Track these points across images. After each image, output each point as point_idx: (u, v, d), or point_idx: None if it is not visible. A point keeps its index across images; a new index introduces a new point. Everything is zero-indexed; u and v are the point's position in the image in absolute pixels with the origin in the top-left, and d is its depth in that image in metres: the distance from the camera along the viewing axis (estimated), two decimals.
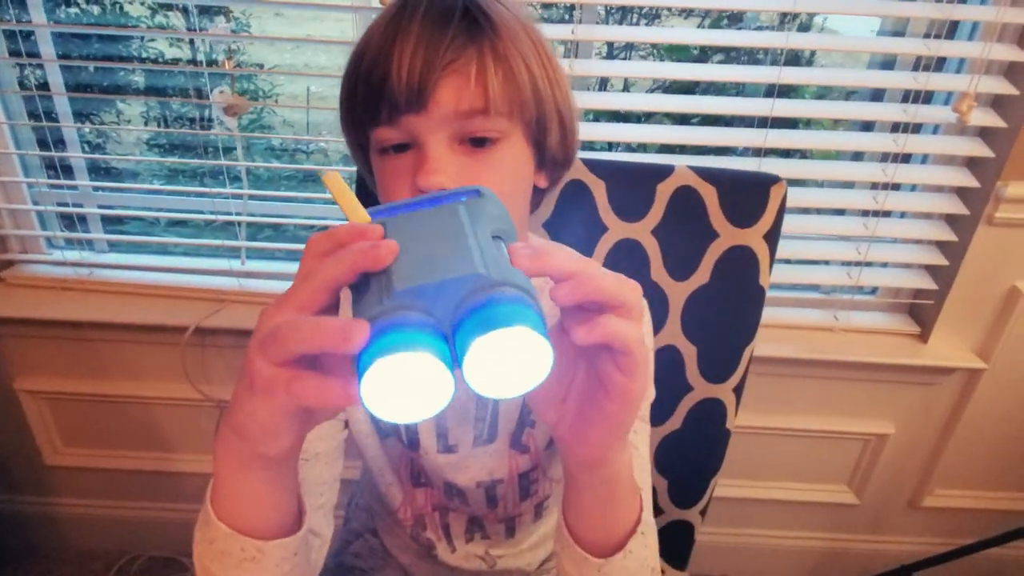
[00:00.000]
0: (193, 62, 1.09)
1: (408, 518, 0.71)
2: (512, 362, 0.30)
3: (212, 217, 1.18)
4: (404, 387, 0.29)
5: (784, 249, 1.17)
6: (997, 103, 1.09)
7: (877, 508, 1.44)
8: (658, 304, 0.84)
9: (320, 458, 0.58)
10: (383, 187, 0.55)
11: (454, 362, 0.30)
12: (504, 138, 0.53)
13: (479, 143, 0.52)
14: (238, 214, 1.17)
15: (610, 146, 1.28)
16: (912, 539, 1.47)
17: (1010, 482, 1.40)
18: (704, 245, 0.82)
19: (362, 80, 0.52)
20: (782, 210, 0.81)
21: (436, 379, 0.29)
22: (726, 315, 0.85)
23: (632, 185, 0.83)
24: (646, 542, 0.46)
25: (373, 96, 0.51)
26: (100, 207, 1.24)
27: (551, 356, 0.30)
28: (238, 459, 0.37)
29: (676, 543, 0.97)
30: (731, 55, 1.47)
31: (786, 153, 1.25)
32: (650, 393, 0.67)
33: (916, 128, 1.11)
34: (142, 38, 1.34)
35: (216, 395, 1.25)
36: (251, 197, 1.18)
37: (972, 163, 1.14)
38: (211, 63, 1.07)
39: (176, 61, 1.04)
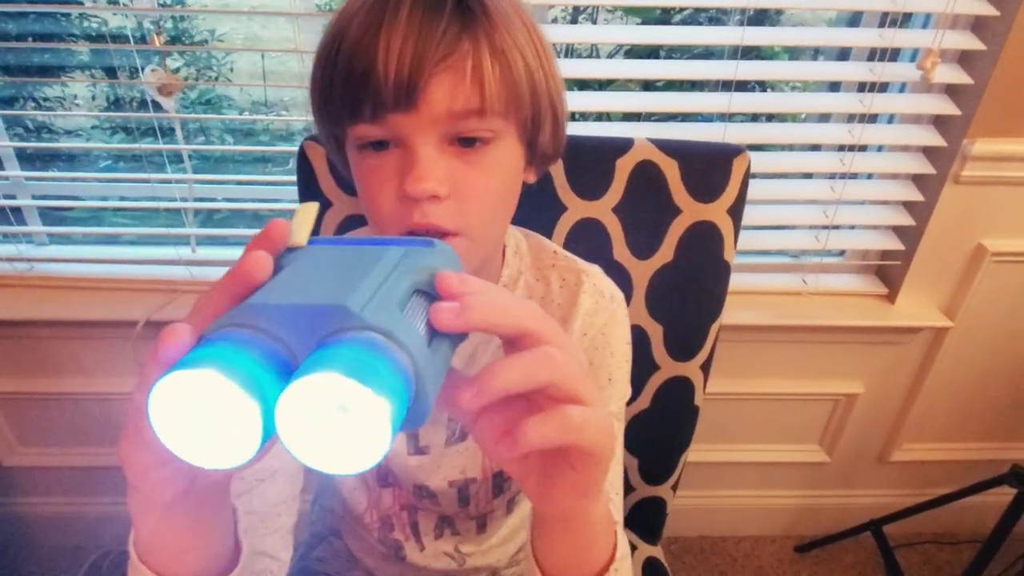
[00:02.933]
0: (121, 38, 1.01)
1: (374, 521, 0.69)
2: (337, 428, 0.22)
3: (154, 204, 1.12)
4: (204, 418, 0.23)
5: (751, 215, 1.15)
6: (964, 59, 1.07)
7: (847, 465, 1.46)
8: (622, 284, 0.81)
9: (278, 476, 0.55)
10: (364, 188, 0.50)
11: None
12: (497, 138, 0.48)
13: (469, 143, 0.47)
14: (183, 199, 1.11)
15: (573, 116, 1.24)
16: (882, 492, 1.50)
17: (974, 433, 1.43)
18: (666, 222, 0.79)
19: (340, 72, 0.46)
20: (745, 182, 0.79)
21: (244, 417, 0.23)
22: (691, 292, 0.83)
23: (591, 161, 0.79)
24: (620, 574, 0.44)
25: (354, 91, 0.45)
26: (36, 197, 1.17)
27: (388, 439, 0.23)
28: (140, 506, 0.34)
29: (648, 518, 0.97)
30: (695, 18, 1.42)
31: (753, 117, 1.22)
32: (626, 391, 0.65)
33: (883, 87, 1.08)
34: (81, 15, 1.25)
35: None
36: (198, 181, 1.12)
37: (939, 122, 1.12)
38: (142, 40, 1.00)
39: (116, 38, 0.97)
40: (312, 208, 0.32)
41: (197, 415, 0.23)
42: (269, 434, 0.23)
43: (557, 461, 0.33)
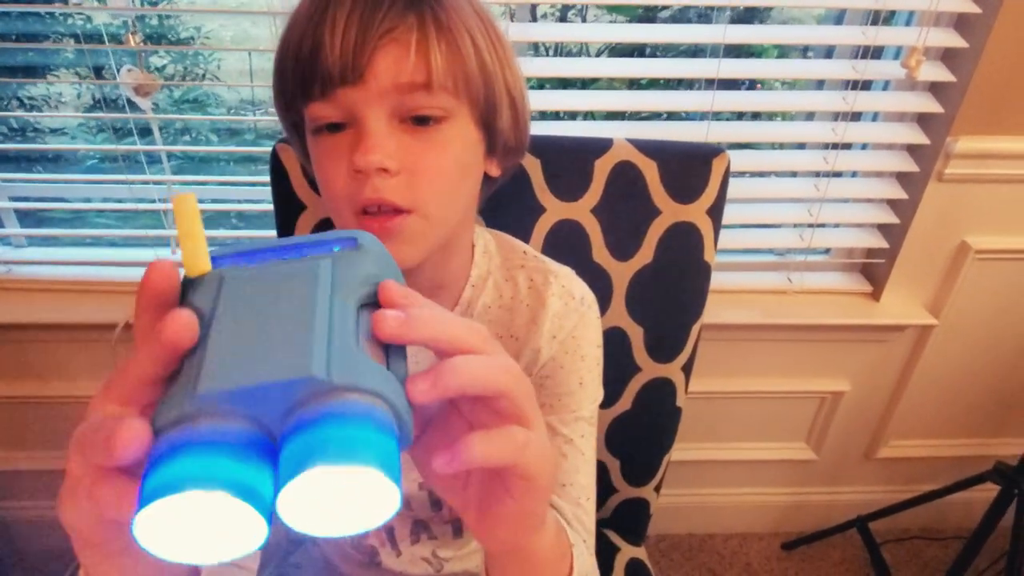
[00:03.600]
0: (100, 38, 1.00)
1: None
2: (345, 499, 0.22)
3: (130, 206, 1.11)
4: (201, 524, 0.21)
5: (736, 213, 1.15)
6: (947, 57, 1.06)
7: (834, 462, 1.46)
8: (601, 285, 0.80)
9: None
10: (319, 170, 0.50)
11: (275, 487, 0.22)
12: (450, 117, 0.49)
13: (422, 121, 0.48)
14: (161, 200, 1.10)
15: (556, 114, 1.23)
16: (868, 488, 1.51)
17: (959, 430, 1.43)
18: (646, 223, 0.79)
19: (291, 53, 0.48)
20: (725, 183, 0.78)
21: (243, 521, 0.21)
22: (672, 293, 0.82)
23: (569, 162, 0.78)
24: None
25: (305, 69, 0.47)
26: (13, 199, 1.16)
27: (397, 499, 0.22)
28: (90, 557, 0.30)
29: (631, 520, 0.97)
30: (683, 15, 1.42)
31: (738, 116, 1.22)
32: (597, 394, 0.64)
33: (866, 85, 1.08)
34: (64, 14, 1.23)
35: None
36: (176, 182, 1.11)
37: (922, 119, 1.11)
38: (115, 39, 0.99)
39: (95, 38, 0.95)
40: (190, 201, 0.27)
41: (188, 527, 0.21)
42: (270, 521, 0.22)
43: (495, 488, 0.31)
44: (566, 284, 0.62)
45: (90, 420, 0.25)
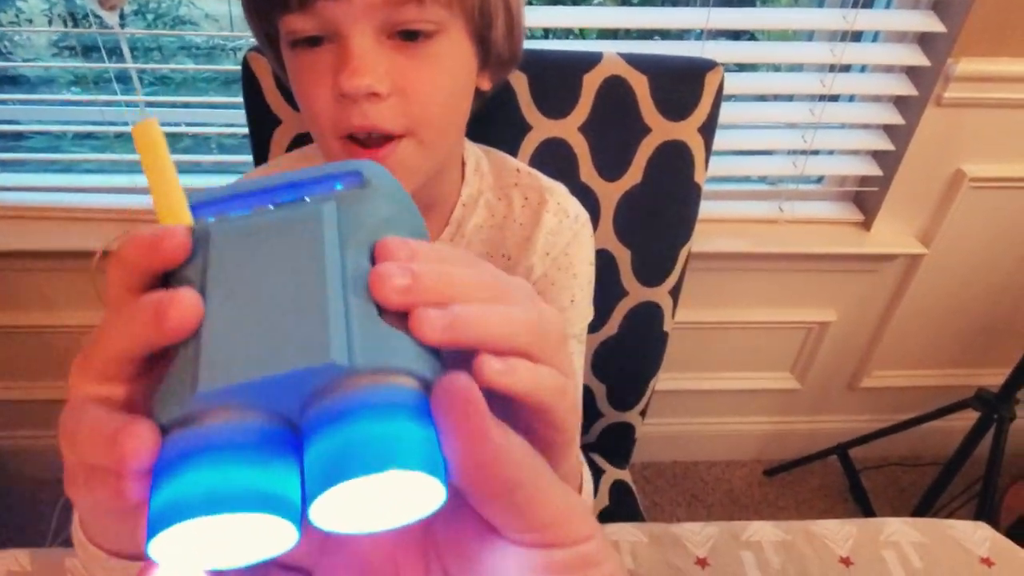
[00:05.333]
0: None
1: None
2: (382, 496, 0.19)
3: (103, 129, 1.06)
4: (223, 533, 0.18)
5: (729, 139, 1.13)
6: None
7: (818, 391, 1.48)
8: (589, 207, 0.77)
9: None
10: (298, 89, 0.46)
11: (303, 486, 0.19)
12: (442, 31, 0.45)
13: (411, 36, 0.44)
14: (134, 123, 1.06)
15: (545, 33, 1.18)
16: (851, 418, 1.53)
17: (942, 360, 1.45)
18: (635, 141, 0.76)
19: None
20: (718, 99, 0.75)
21: (273, 529, 0.18)
22: (661, 215, 0.81)
23: (556, 77, 0.75)
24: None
25: None
26: None
27: (442, 493, 0.19)
28: (93, 514, 0.28)
29: (617, 443, 0.98)
30: None
31: (735, 37, 1.17)
32: (588, 313, 0.64)
33: (868, 3, 1.03)
34: None
35: None
36: (149, 104, 1.06)
37: (923, 41, 1.07)
38: None
39: None
40: (151, 128, 0.22)
41: (209, 537, 0.19)
42: (300, 527, 0.19)
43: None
44: (561, 201, 0.61)
45: (73, 404, 0.21)
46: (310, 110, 0.46)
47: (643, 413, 0.96)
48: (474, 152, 0.62)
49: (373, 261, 0.21)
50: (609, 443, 0.98)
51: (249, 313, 0.19)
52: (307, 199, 0.22)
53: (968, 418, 1.25)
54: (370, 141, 0.45)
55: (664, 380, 1.48)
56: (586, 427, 0.96)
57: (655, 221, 0.81)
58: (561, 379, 0.22)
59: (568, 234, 0.61)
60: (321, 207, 0.21)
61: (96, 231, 1.10)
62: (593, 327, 0.85)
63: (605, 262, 0.81)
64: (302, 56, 0.45)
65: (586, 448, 0.98)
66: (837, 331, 1.37)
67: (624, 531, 0.56)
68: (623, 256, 0.82)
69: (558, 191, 0.62)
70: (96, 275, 1.11)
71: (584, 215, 0.63)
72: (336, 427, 0.18)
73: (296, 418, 0.19)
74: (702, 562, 0.54)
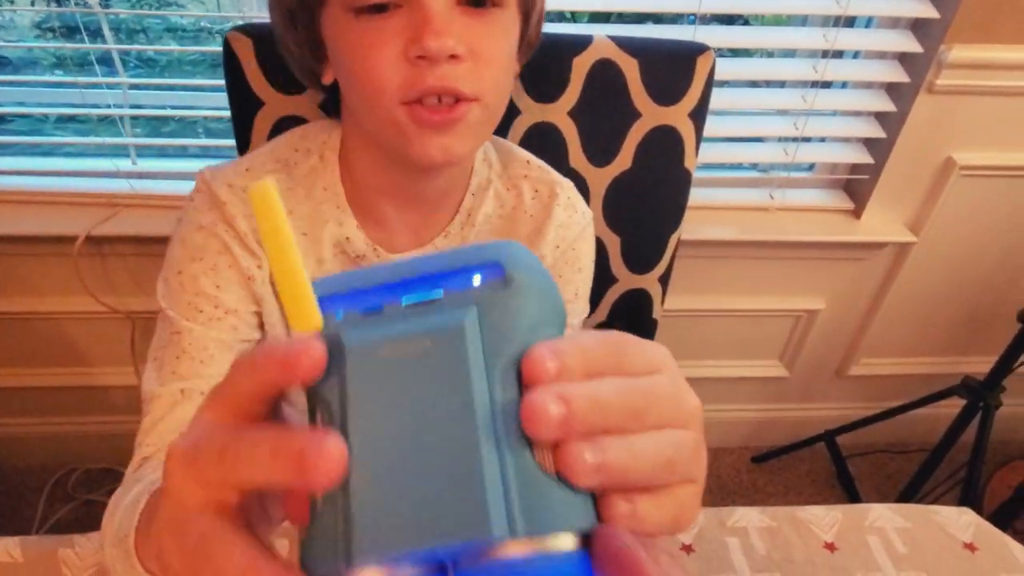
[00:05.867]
0: None
1: None
2: None
3: (87, 111, 1.04)
4: None
5: (720, 126, 1.12)
6: None
7: (806, 379, 1.49)
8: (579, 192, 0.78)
9: None
10: (356, 57, 0.45)
11: None
12: (506, 3, 0.46)
13: (479, 3, 0.45)
14: (118, 106, 1.04)
15: None
16: (838, 405, 1.54)
17: (930, 348, 1.46)
18: (626, 126, 0.75)
19: None
20: (709, 84, 0.74)
21: None
22: (650, 202, 0.80)
23: (546, 60, 0.73)
24: None
25: None
26: None
27: None
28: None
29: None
30: None
31: (729, 21, 1.16)
32: (585, 309, 0.66)
33: None
34: None
35: (125, 307, 1.17)
36: (132, 86, 1.04)
37: (916, 27, 1.07)
38: None
39: None
40: (270, 190, 0.19)
41: None
42: None
43: None
44: (571, 196, 0.62)
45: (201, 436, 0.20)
46: (373, 75, 0.44)
47: None
48: None
49: (520, 378, 0.19)
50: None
51: (399, 465, 0.18)
52: (443, 296, 0.20)
53: (954, 406, 1.26)
54: (440, 104, 0.45)
55: None
56: None
57: (645, 207, 0.80)
58: (690, 493, 0.22)
59: (576, 229, 0.62)
60: (462, 319, 0.19)
61: (79, 216, 1.08)
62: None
63: (596, 249, 0.81)
64: (367, 22, 0.44)
65: None
66: (826, 319, 1.37)
67: None
68: (612, 242, 0.81)
69: (568, 186, 0.63)
70: (79, 260, 1.09)
71: (590, 213, 0.64)
72: None
73: (447, 561, 0.19)
74: (687, 548, 0.54)
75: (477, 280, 0.20)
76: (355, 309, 0.20)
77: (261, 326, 0.56)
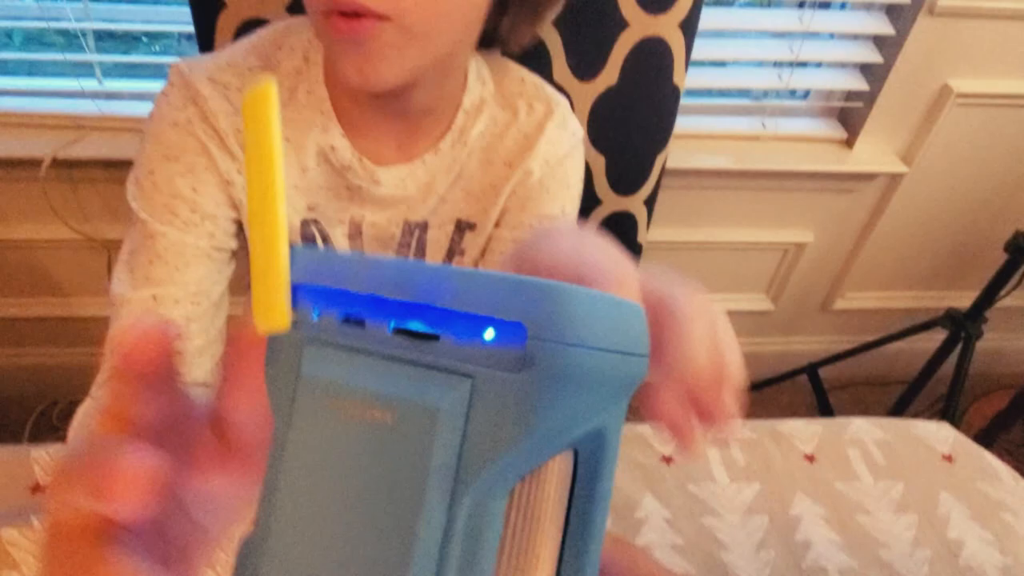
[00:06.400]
0: None
1: None
2: None
3: (45, 24, 0.98)
4: None
5: (714, 50, 1.08)
6: None
7: (791, 313, 1.49)
8: None
9: (220, 301, 0.53)
10: None
11: None
12: None
13: None
14: (79, 20, 0.98)
15: None
16: (821, 339, 1.55)
17: (915, 282, 1.46)
18: (612, 37, 0.72)
19: None
20: None
21: None
22: (637, 119, 0.77)
23: None
24: None
25: None
26: None
27: None
28: None
29: None
30: None
31: None
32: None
33: None
34: None
35: (101, 235, 1.14)
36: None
37: None
38: None
39: None
40: (269, 97, 0.15)
41: None
42: None
43: None
44: (566, 115, 0.60)
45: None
46: None
47: None
48: (474, 58, 0.58)
49: (512, 504, 0.14)
50: None
51: (325, 529, 0.15)
52: (441, 340, 0.15)
53: (935, 341, 1.27)
54: (354, 16, 0.41)
55: None
56: None
57: (631, 125, 0.77)
58: None
59: (567, 146, 0.60)
60: (440, 400, 0.14)
61: (45, 138, 1.03)
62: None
63: None
64: None
65: None
66: (813, 252, 1.36)
67: None
68: (597, 163, 0.79)
69: (564, 104, 0.60)
70: (47, 185, 1.05)
71: (581, 132, 0.62)
72: None
73: None
74: (668, 460, 0.54)
75: (489, 336, 0.14)
76: (334, 311, 0.16)
77: (238, 235, 0.54)
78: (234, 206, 0.52)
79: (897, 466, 0.54)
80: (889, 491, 0.52)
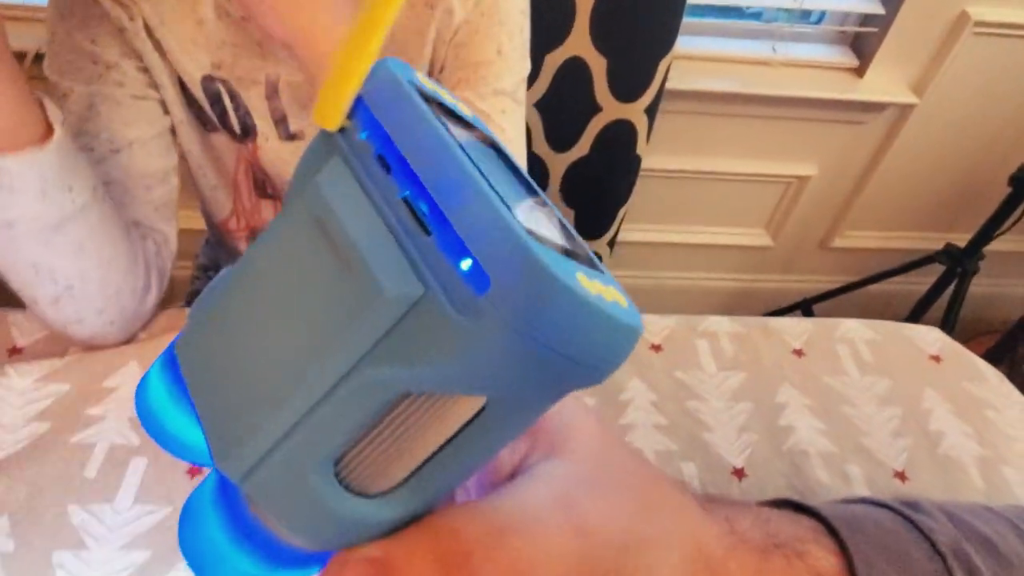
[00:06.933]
0: None
1: (241, 228, 0.66)
2: None
3: None
4: None
5: None
6: None
7: (789, 249, 1.48)
8: (564, 10, 0.72)
9: (136, 147, 0.51)
10: None
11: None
12: None
13: None
14: None
15: None
16: (818, 277, 1.55)
17: (915, 222, 1.45)
18: None
19: None
20: None
21: None
22: (641, 19, 0.74)
23: None
24: None
25: None
26: None
27: None
28: None
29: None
30: None
31: None
32: (521, 67, 0.57)
33: None
34: None
35: None
36: None
37: None
38: None
39: None
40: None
41: None
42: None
43: None
44: None
45: None
46: None
47: (611, 244, 0.94)
48: None
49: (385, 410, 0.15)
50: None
51: (249, 327, 0.16)
52: (434, 237, 0.14)
53: (929, 285, 1.26)
54: None
55: (634, 231, 1.46)
56: None
57: (635, 27, 0.75)
58: None
59: None
60: (386, 290, 0.14)
61: (23, 31, 1.00)
62: (564, 146, 0.82)
63: (578, 72, 0.76)
64: None
65: None
66: (816, 187, 1.34)
67: None
68: (598, 65, 0.76)
69: None
70: (31, 81, 1.02)
71: None
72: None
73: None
74: (656, 348, 0.54)
75: (465, 265, 0.13)
76: (373, 145, 0.15)
77: (154, 85, 0.53)
78: (136, 54, 0.51)
79: (885, 364, 0.54)
80: (874, 386, 0.52)
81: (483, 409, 0.15)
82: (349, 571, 0.15)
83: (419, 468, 0.16)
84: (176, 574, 0.38)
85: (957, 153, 1.30)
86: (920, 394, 0.52)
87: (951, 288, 1.23)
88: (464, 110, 0.18)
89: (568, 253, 0.15)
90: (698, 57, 1.14)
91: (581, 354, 0.14)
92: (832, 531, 0.21)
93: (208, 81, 0.52)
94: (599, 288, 0.14)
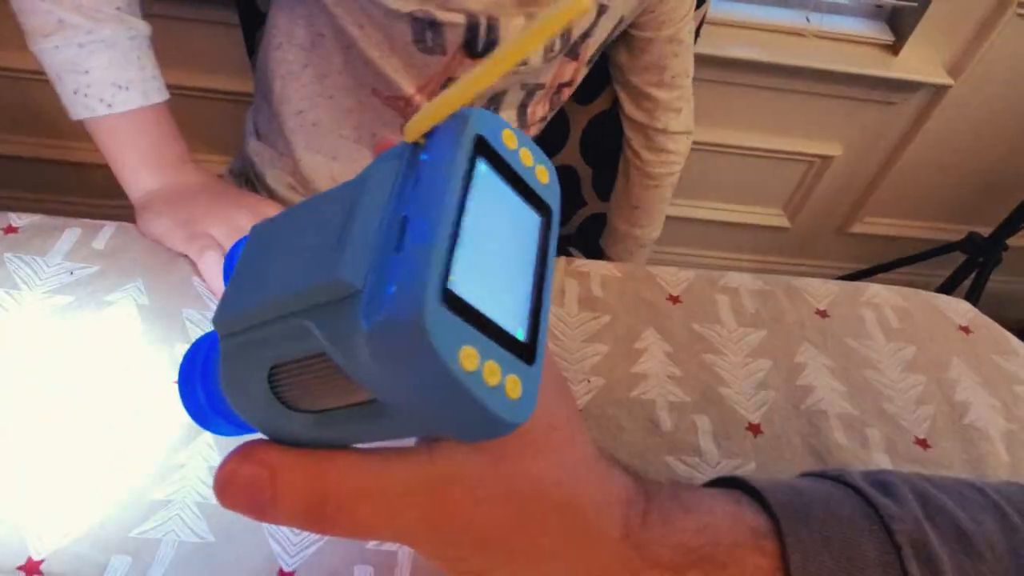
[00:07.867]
0: None
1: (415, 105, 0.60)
2: None
3: None
4: None
5: None
6: None
7: (806, 233, 1.45)
8: None
9: None
10: None
11: None
12: None
13: None
14: None
15: None
16: (834, 263, 1.52)
17: (935, 212, 1.41)
18: None
19: None
20: None
21: None
22: None
23: None
24: None
25: None
26: None
27: None
28: None
29: (596, 237, 0.94)
30: None
31: None
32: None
33: None
34: None
35: None
36: None
37: None
38: None
39: None
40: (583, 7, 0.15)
41: None
42: None
43: None
44: None
45: None
46: None
47: None
48: None
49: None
50: (589, 237, 0.94)
51: (278, 247, 0.20)
52: (393, 259, 0.16)
53: (944, 276, 1.23)
54: None
55: None
56: (567, 216, 0.92)
57: None
58: None
59: None
60: (340, 278, 0.16)
61: None
62: (584, 100, 0.79)
63: None
64: None
65: (564, 239, 0.95)
66: (839, 168, 1.31)
67: (595, 265, 0.53)
68: None
69: None
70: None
71: None
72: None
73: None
74: (674, 299, 0.52)
75: (391, 290, 0.15)
76: (417, 168, 0.18)
77: None
78: None
79: (912, 330, 0.51)
80: (900, 351, 0.50)
81: (372, 401, 0.17)
82: (247, 462, 0.18)
83: (324, 412, 0.18)
84: None
85: (988, 140, 1.27)
86: (947, 363, 0.49)
87: (969, 281, 1.21)
88: (541, 178, 0.19)
89: (489, 329, 0.16)
90: (727, 23, 1.11)
91: (440, 417, 0.16)
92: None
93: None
94: (491, 369, 0.15)
